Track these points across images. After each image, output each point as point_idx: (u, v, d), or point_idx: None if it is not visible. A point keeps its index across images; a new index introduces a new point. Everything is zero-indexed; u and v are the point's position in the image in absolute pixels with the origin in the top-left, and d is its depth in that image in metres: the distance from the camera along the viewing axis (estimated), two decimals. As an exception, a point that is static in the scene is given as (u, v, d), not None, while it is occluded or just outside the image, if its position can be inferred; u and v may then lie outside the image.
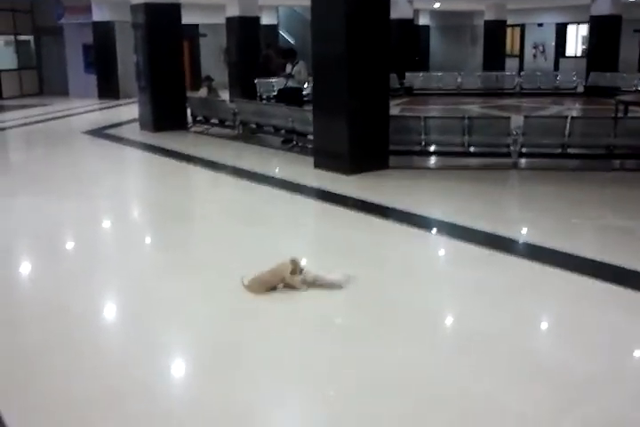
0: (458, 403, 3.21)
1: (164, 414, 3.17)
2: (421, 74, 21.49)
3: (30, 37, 22.86)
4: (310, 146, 9.89)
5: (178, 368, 3.76)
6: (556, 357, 3.72)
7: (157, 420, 3.13)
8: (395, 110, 13.00)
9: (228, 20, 18.16)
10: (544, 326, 4.37)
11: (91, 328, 4.18)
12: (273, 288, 4.60)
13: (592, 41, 20.41)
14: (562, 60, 28.08)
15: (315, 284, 4.64)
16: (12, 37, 22.15)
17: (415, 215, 6.74)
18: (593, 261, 5.22)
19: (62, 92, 22.05)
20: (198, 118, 13.37)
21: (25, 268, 5.60)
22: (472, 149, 9.29)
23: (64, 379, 3.51)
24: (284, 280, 4.61)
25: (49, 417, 3.15)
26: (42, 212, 7.23)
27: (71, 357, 3.76)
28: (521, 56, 29.55)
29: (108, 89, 20.68)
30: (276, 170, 9.67)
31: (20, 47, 22.49)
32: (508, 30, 26.20)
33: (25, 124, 15.20)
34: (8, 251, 5.92)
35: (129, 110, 16.21)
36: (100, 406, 3.23)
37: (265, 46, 19.17)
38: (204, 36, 25.35)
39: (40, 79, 23.12)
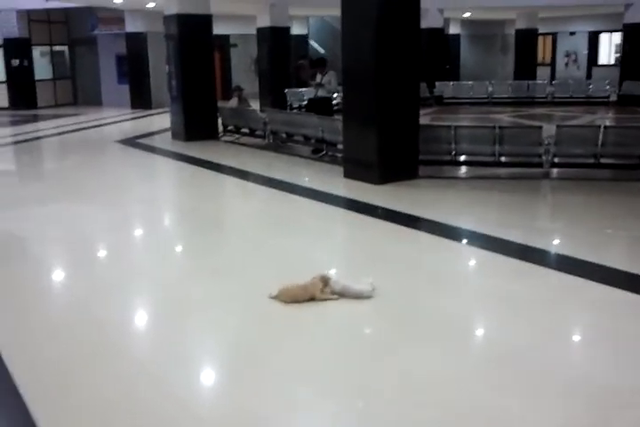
0: (487, 417, 3.18)
1: (193, 420, 3.19)
2: (452, 83, 21.39)
3: (65, 48, 23.32)
4: (340, 155, 9.92)
5: (205, 375, 3.77)
6: (589, 371, 3.66)
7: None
8: (425, 119, 12.94)
9: (259, 30, 18.34)
10: (576, 338, 4.31)
11: (121, 332, 4.23)
12: (299, 302, 4.58)
13: (625, 49, 20.15)
14: (594, 69, 27.81)
15: (342, 294, 4.63)
16: (47, 48, 22.61)
17: (445, 225, 6.70)
18: (626, 273, 5.14)
19: (96, 101, 22.45)
20: (229, 128, 13.50)
21: (62, 273, 5.69)
22: (503, 158, 9.22)
23: (92, 383, 3.55)
24: (314, 297, 4.57)
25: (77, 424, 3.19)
26: (76, 218, 7.36)
27: (98, 361, 3.80)
28: (553, 65, 29.34)
29: (141, 99, 20.98)
30: (306, 179, 9.70)
31: (55, 57, 22.96)
32: (540, 39, 26.04)
33: (59, 134, 15.47)
34: (47, 257, 6.03)
35: (161, 120, 16.40)
36: (124, 411, 3.26)
37: (300, 57, 19.30)
38: (235, 46, 25.60)
39: (74, 89, 23.54)
